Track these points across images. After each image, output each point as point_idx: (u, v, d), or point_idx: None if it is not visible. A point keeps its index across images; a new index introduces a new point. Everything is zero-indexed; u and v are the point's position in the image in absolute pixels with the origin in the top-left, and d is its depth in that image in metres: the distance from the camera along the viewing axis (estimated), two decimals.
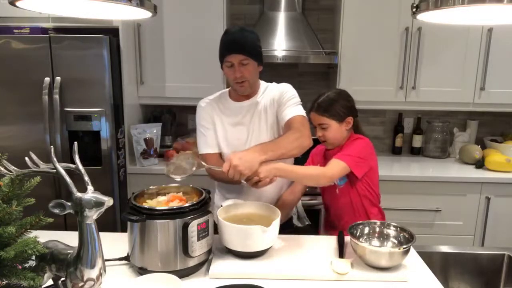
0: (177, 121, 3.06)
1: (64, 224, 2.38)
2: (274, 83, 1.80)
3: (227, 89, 1.83)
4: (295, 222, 2.48)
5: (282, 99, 1.69)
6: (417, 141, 3.09)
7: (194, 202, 1.33)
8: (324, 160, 1.82)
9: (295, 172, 1.55)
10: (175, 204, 1.37)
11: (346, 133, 1.77)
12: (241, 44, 1.61)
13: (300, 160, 1.74)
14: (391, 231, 1.49)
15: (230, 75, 1.66)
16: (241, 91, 1.70)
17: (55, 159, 1.07)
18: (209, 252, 1.38)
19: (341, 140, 1.77)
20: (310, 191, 2.60)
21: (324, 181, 1.60)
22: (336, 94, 1.76)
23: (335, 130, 1.73)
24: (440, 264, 1.67)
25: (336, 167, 1.61)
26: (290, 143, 1.55)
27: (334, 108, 1.72)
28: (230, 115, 1.75)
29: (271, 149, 1.50)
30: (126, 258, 1.37)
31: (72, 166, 1.13)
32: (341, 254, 1.44)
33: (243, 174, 1.41)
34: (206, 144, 1.75)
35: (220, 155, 1.81)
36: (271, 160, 1.49)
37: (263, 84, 1.79)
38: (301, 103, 1.71)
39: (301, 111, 1.67)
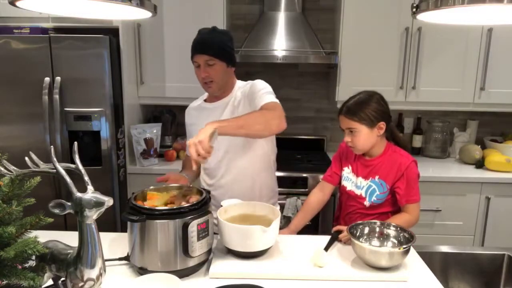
0: (177, 121, 3.06)
1: (64, 224, 2.38)
2: (249, 81, 1.73)
3: None
4: None
5: (252, 93, 1.62)
6: (417, 141, 3.08)
7: (194, 202, 1.33)
8: (360, 166, 1.71)
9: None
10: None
11: (379, 140, 1.66)
12: (207, 45, 1.62)
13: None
14: (391, 231, 1.49)
15: (198, 75, 1.69)
16: (210, 92, 1.72)
17: (55, 159, 1.07)
18: (209, 252, 1.38)
19: (370, 147, 1.66)
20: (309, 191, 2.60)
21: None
22: (367, 96, 1.64)
23: (365, 135, 1.61)
24: (440, 264, 1.67)
25: (418, 210, 1.70)
26: (253, 116, 1.46)
27: (364, 111, 1.60)
28: (203, 117, 1.71)
29: (227, 120, 1.44)
30: (126, 258, 1.37)
31: (72, 166, 1.13)
32: (326, 248, 1.47)
33: (203, 145, 1.29)
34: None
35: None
36: (230, 132, 1.40)
37: (238, 83, 1.75)
38: (273, 93, 1.62)
39: (273, 98, 1.58)
